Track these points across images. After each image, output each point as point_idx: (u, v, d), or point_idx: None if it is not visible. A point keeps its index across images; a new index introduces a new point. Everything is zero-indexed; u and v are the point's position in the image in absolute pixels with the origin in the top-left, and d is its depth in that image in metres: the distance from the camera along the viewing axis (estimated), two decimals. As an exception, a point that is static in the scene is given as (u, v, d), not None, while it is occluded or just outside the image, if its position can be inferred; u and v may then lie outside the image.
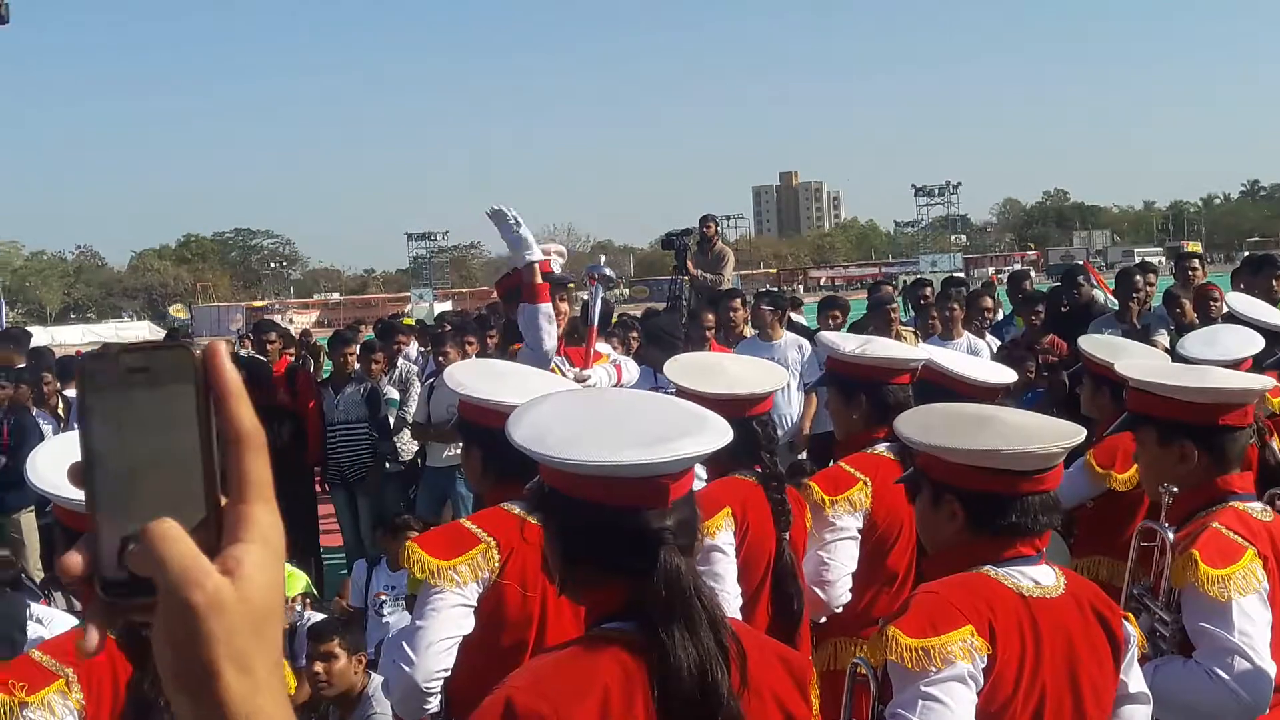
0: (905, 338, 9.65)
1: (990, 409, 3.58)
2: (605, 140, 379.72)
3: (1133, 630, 3.35)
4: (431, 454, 10.81)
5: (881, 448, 4.85)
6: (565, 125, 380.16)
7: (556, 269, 6.50)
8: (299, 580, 8.30)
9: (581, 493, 2.53)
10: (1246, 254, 12.63)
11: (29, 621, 4.98)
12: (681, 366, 4.78)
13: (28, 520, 10.55)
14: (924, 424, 3.38)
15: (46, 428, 11.04)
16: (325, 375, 12.63)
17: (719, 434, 2.65)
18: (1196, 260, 12.24)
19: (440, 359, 10.73)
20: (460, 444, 4.56)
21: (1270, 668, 3.54)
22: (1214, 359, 5.16)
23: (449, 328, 12.58)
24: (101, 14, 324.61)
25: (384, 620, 8.05)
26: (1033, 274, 16.23)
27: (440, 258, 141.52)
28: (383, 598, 8.34)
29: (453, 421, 10.17)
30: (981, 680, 3.04)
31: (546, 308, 6.23)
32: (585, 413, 2.76)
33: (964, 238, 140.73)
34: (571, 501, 2.54)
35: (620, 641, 2.47)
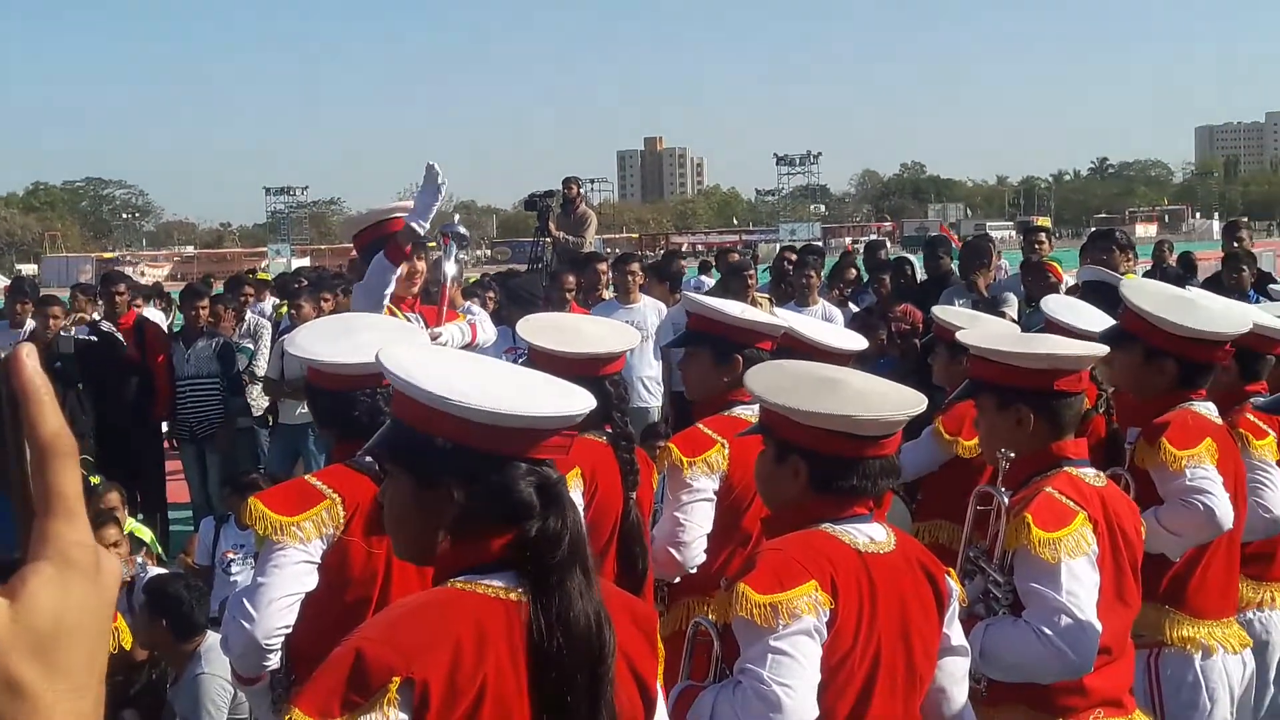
0: (761, 304, 9.73)
1: (839, 371, 3.62)
2: (470, 100, 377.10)
3: (955, 585, 3.45)
4: (284, 411, 10.72)
5: (739, 409, 4.90)
6: (431, 84, 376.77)
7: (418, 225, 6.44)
8: (144, 534, 8.19)
9: (489, 445, 2.46)
10: (1093, 229, 13.02)
11: None
12: (535, 326, 4.74)
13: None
14: (774, 382, 3.42)
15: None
16: (177, 329, 12.38)
17: (581, 395, 2.64)
18: (1043, 234, 12.69)
19: (294, 314, 10.65)
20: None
21: (1096, 627, 3.64)
22: (1080, 326, 5.27)
23: (305, 283, 12.45)
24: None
25: (231, 579, 7.96)
26: (888, 244, 16.47)
27: (299, 213, 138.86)
28: (230, 556, 8.23)
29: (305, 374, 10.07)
30: (825, 633, 3.11)
31: (399, 271, 6.25)
32: (471, 368, 2.70)
33: (823, 207, 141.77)
34: (471, 452, 2.47)
35: (482, 593, 2.45)
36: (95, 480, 8.61)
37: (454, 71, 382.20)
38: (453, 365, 2.68)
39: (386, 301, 6.22)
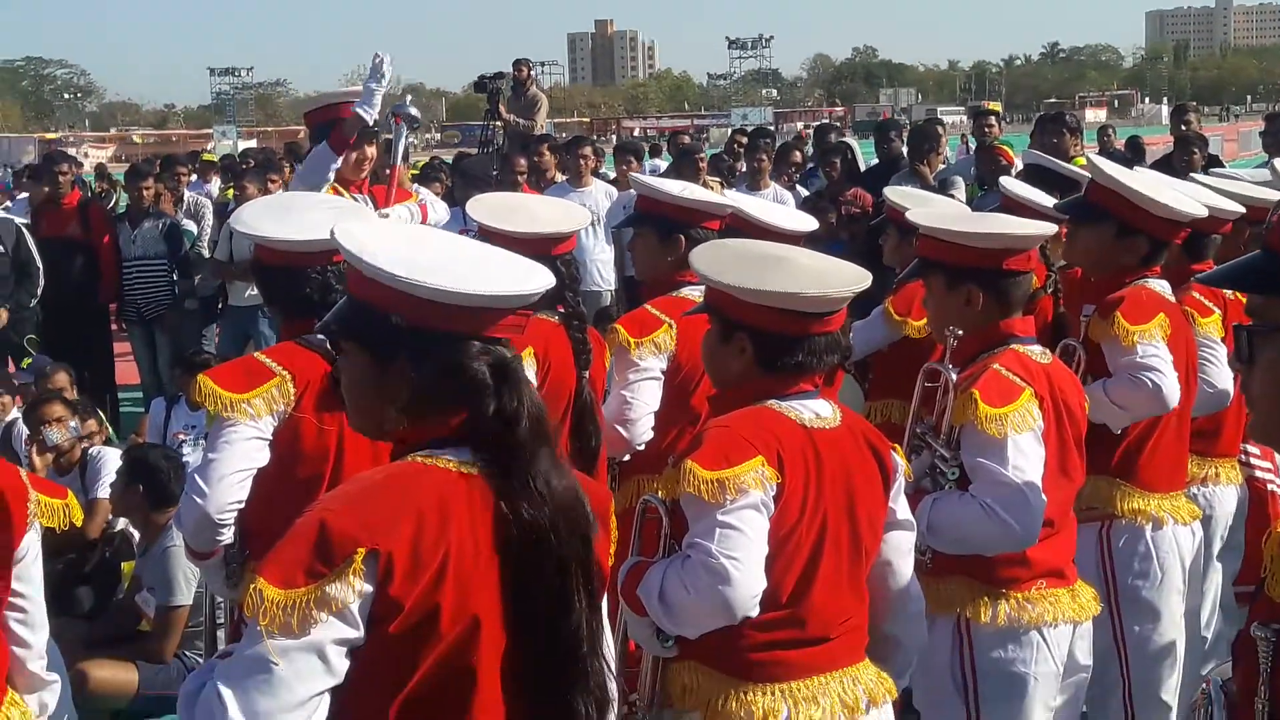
0: (712, 186, 9.72)
1: (783, 249, 3.62)
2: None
3: (900, 460, 3.49)
4: (233, 293, 10.77)
5: (687, 290, 4.91)
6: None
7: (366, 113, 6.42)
8: (95, 417, 8.17)
9: (449, 324, 2.45)
10: (1041, 114, 13.11)
11: None
12: (486, 206, 4.74)
13: None
14: (718, 261, 3.42)
15: None
16: (121, 210, 12.28)
17: (542, 273, 2.63)
18: (993, 118, 12.83)
19: (239, 195, 10.63)
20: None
21: (1041, 501, 3.72)
22: (1041, 202, 5.31)
23: (252, 164, 12.35)
24: None
25: (183, 460, 7.97)
26: (840, 129, 16.43)
27: (245, 94, 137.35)
28: (181, 437, 8.28)
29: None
30: (772, 507, 3.16)
31: (338, 161, 6.26)
32: (421, 240, 2.71)
33: (775, 92, 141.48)
34: (425, 333, 2.46)
35: (445, 467, 2.46)
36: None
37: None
38: (409, 241, 2.66)
39: (325, 188, 6.22)
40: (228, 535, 3.76)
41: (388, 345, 2.49)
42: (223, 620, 4.56)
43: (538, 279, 2.57)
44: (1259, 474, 5.35)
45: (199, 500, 3.65)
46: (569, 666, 2.49)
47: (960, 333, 3.95)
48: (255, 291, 10.08)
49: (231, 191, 12.27)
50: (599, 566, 2.71)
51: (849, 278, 3.36)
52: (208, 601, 5.43)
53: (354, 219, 3.97)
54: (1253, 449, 5.34)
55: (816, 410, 3.32)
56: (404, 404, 2.50)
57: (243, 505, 3.71)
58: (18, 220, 11.07)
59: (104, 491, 7.05)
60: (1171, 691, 4.62)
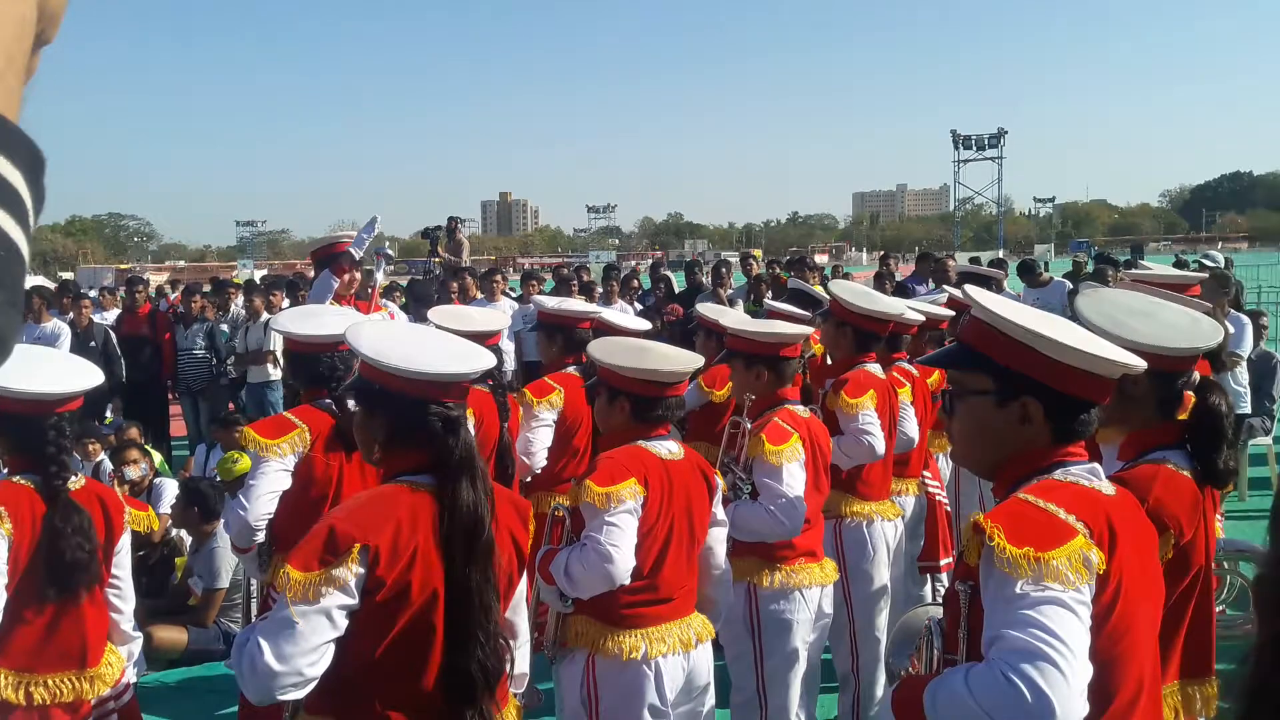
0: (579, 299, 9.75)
1: (646, 342, 3.67)
2: (378, 159, 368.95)
3: (719, 481, 3.53)
4: (252, 373, 10.42)
5: (570, 369, 4.95)
6: (349, 148, 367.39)
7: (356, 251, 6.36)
8: (156, 456, 7.92)
9: (414, 391, 2.45)
10: (788, 258, 13.55)
11: None
12: (441, 313, 4.83)
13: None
14: (606, 349, 3.45)
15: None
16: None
17: (487, 356, 2.65)
18: (753, 259, 13.14)
19: (249, 306, 10.63)
20: (269, 364, 4.37)
21: (803, 507, 3.76)
22: (797, 312, 5.44)
23: (260, 287, 12.14)
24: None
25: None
26: (662, 268, 16.59)
27: (260, 238, 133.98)
28: (215, 472, 7.98)
29: (264, 348, 9.84)
30: (640, 511, 3.16)
31: (336, 284, 6.14)
32: (404, 338, 2.67)
33: (617, 241, 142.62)
34: (401, 397, 2.46)
35: (414, 489, 2.44)
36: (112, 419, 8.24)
37: (367, 135, 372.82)
38: (396, 337, 2.65)
39: (328, 301, 6.12)
40: (261, 536, 3.67)
41: (398, 408, 2.48)
42: (255, 596, 4.41)
43: (480, 360, 2.58)
44: (930, 488, 5.40)
45: (242, 512, 3.57)
46: (482, 619, 2.45)
47: (753, 397, 4.00)
48: (263, 371, 10.05)
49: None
50: (522, 553, 2.71)
51: (689, 360, 3.40)
52: (244, 583, 5.27)
53: (354, 323, 3.95)
54: (928, 473, 5.39)
55: (669, 448, 3.34)
56: (387, 442, 2.51)
57: (272, 516, 3.63)
58: (107, 323, 11.13)
59: (164, 509, 6.85)
60: (882, 629, 4.61)
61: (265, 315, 10.23)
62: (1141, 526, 2.11)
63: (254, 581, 4.48)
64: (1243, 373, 7.99)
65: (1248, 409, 8.08)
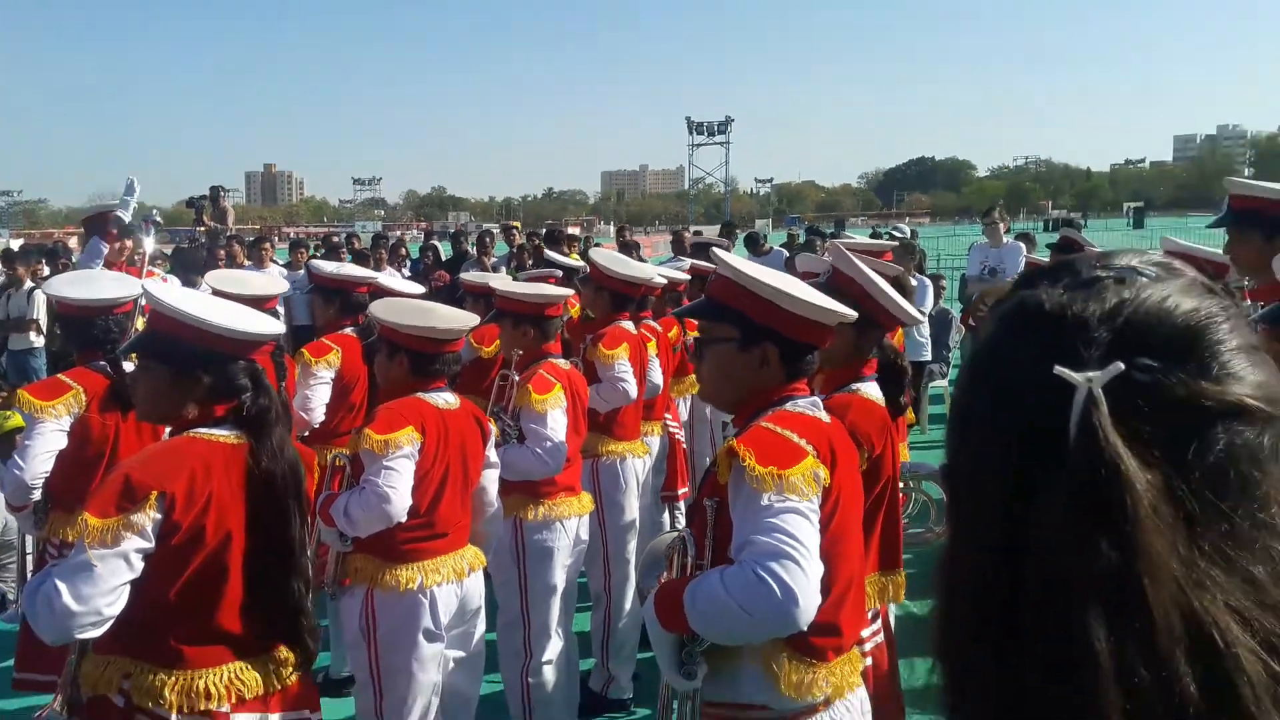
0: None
1: (428, 303, 3.60)
2: (140, 125, 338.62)
3: (492, 427, 3.55)
4: (13, 340, 9.50)
5: (348, 329, 4.78)
6: (110, 111, 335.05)
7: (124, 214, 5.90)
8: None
9: (221, 348, 2.38)
10: (544, 230, 13.73)
11: None
12: (218, 278, 4.60)
13: None
14: (390, 309, 3.38)
15: None
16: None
17: (277, 320, 2.59)
18: (515, 230, 13.11)
19: (10, 274, 9.63)
20: (32, 332, 4.00)
21: (565, 448, 3.81)
22: (565, 261, 5.37)
23: (20, 255, 11.06)
24: None
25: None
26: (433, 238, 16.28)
27: (16, 208, 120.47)
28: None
29: (27, 316, 8.99)
30: (418, 456, 3.15)
31: (105, 250, 5.73)
32: (208, 302, 2.56)
33: (382, 212, 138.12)
34: (210, 352, 2.37)
35: (210, 440, 2.37)
36: None
37: (128, 103, 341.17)
38: (198, 300, 2.58)
39: (98, 267, 5.67)
40: (37, 494, 3.42)
41: (186, 361, 2.39)
42: (30, 552, 4.06)
43: (275, 324, 2.56)
44: (671, 429, 5.53)
45: (18, 471, 3.34)
46: (288, 560, 2.43)
47: (520, 352, 4.02)
48: (25, 339, 9.18)
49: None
50: (308, 498, 2.66)
51: (466, 319, 3.39)
52: (19, 542, 4.83)
53: (139, 287, 3.70)
54: (669, 415, 5.52)
55: (447, 399, 3.33)
56: (195, 399, 2.41)
57: (48, 475, 3.39)
58: None
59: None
60: (632, 553, 4.72)
61: (29, 283, 9.32)
62: (849, 446, 2.33)
63: (29, 540, 4.11)
64: (926, 327, 8.75)
65: (929, 357, 8.86)
